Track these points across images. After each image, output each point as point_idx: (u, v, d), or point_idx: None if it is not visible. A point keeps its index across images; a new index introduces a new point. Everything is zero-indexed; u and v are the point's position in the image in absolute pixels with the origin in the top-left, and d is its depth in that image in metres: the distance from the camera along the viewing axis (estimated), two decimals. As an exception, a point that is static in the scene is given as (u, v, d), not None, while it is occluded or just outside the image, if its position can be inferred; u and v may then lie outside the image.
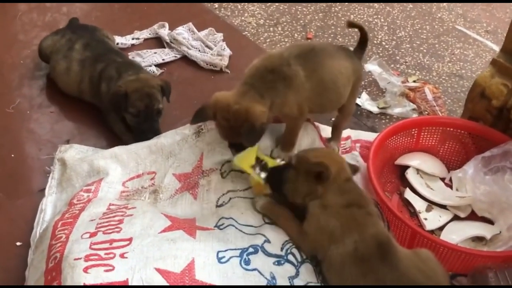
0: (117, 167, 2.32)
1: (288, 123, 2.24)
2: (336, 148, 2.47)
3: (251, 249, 1.93)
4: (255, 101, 2.07)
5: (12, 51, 3.11)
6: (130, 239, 1.85)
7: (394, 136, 2.51)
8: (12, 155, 2.55)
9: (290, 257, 1.94)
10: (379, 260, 1.80)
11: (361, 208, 1.92)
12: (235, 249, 1.91)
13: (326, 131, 2.56)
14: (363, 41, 2.40)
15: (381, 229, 1.90)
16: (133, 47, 3.20)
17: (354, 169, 2.06)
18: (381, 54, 3.32)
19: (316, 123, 2.49)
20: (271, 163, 2.13)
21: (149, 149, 2.37)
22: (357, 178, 2.27)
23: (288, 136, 2.26)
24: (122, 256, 1.78)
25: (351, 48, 2.47)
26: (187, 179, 2.24)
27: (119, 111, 2.58)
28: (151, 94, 2.55)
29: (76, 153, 2.45)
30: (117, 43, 3.11)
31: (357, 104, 2.93)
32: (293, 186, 1.99)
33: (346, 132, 2.62)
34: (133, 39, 3.24)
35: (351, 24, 2.57)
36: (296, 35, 3.41)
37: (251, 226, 2.05)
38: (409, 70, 3.23)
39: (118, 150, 2.39)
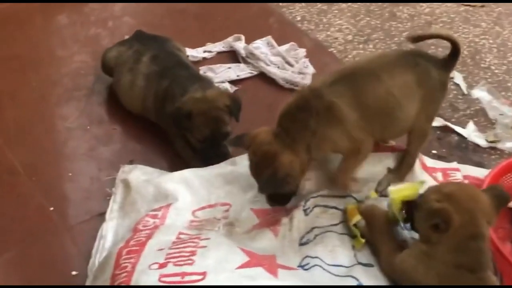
0: (186, 193, 2.37)
1: (347, 158, 2.26)
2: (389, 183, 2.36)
3: (341, 294, 1.92)
4: (286, 147, 2.12)
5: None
6: (204, 274, 1.88)
7: (509, 174, 2.45)
8: (70, 174, 2.64)
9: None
10: None
11: (473, 274, 1.88)
12: (324, 293, 1.91)
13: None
14: (454, 52, 2.29)
15: None
16: (204, 61, 3.27)
17: (501, 199, 1.96)
18: (489, 80, 3.28)
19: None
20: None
21: (224, 179, 2.42)
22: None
23: (341, 172, 2.28)
24: (195, 292, 1.80)
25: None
26: (267, 215, 2.28)
27: (181, 131, 2.64)
28: (217, 117, 2.58)
29: (141, 174, 2.50)
30: (187, 56, 3.19)
31: (462, 136, 2.89)
32: (416, 219, 2.01)
33: (453, 165, 2.61)
34: (204, 52, 3.31)
35: (416, 38, 2.35)
36: (389, 54, 3.40)
37: (341, 266, 2.06)
38: (524, 99, 3.17)
39: (188, 174, 2.44)
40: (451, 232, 1.87)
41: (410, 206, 2.06)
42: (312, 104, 2.11)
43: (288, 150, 2.12)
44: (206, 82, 2.78)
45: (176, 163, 2.64)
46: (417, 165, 2.40)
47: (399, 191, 2.13)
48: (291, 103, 2.16)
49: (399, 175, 2.37)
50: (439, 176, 2.53)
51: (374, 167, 2.38)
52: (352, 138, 2.17)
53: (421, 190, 2.08)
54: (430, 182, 2.34)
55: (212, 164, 2.52)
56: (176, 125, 2.63)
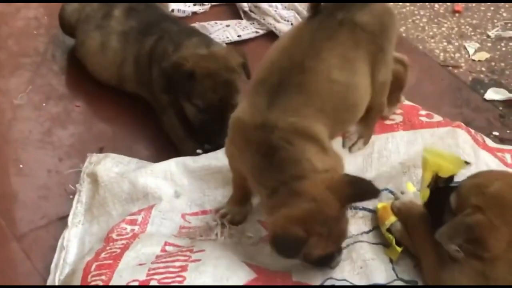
0: (173, 190, 2.36)
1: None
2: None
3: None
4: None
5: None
6: (199, 294, 1.88)
7: None
8: (21, 166, 2.61)
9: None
10: None
11: None
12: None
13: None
14: None
15: None
16: (195, 16, 3.25)
17: None
18: None
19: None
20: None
21: (222, 178, 2.39)
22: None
23: None
24: (187, 316, 1.81)
25: None
26: None
27: (176, 97, 2.61)
28: (230, 82, 2.57)
29: (113, 166, 2.48)
30: (172, 10, 3.16)
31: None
32: (451, 222, 1.96)
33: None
34: (195, 5, 3.28)
35: None
36: None
37: (377, 285, 2.06)
38: None
39: (175, 167, 2.43)
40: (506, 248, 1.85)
41: (439, 190, 2.04)
42: (275, 144, 2.02)
43: None
44: (205, 36, 2.77)
45: (160, 149, 2.64)
46: (467, 142, 2.42)
47: (436, 154, 2.12)
48: (254, 161, 2.05)
49: (367, 124, 2.42)
50: (508, 158, 2.53)
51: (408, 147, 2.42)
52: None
53: (465, 171, 2.09)
54: (494, 166, 2.36)
55: (211, 145, 2.52)
56: (171, 89, 2.61)
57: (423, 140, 2.43)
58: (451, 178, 2.09)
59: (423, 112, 2.55)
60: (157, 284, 1.91)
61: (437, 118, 2.53)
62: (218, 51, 2.63)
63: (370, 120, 2.42)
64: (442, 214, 2.00)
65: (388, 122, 2.51)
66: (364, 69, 2.21)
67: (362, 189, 2.00)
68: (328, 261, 2.05)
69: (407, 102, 2.60)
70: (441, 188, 2.06)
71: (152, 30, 2.77)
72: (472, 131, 2.53)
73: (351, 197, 1.99)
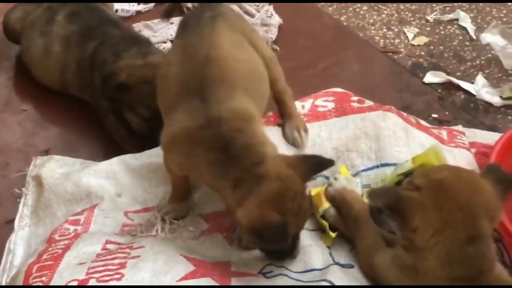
0: (115, 190, 2.38)
1: None
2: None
3: (311, 305, 1.94)
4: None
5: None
6: (136, 290, 1.89)
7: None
8: (-33, 171, 2.63)
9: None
10: None
11: (473, 281, 1.86)
12: (289, 306, 1.92)
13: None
14: None
15: None
16: (139, 15, 3.27)
17: (507, 183, 1.90)
18: (504, 20, 3.29)
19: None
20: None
21: (164, 175, 2.37)
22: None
23: None
24: (124, 313, 1.82)
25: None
26: (219, 219, 2.28)
27: (118, 107, 2.62)
28: None
29: (57, 167, 2.49)
30: (116, 10, 3.18)
31: (470, 94, 2.91)
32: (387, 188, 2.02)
33: (458, 128, 2.64)
34: (139, 4, 3.31)
35: None
36: None
37: (313, 270, 2.07)
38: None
39: (117, 166, 2.44)
40: (442, 237, 1.82)
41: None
42: (228, 136, 2.02)
43: None
44: (145, 45, 2.78)
45: (106, 149, 2.66)
46: (398, 124, 2.43)
47: (437, 156, 2.16)
48: (210, 158, 2.04)
49: (289, 112, 2.46)
50: (444, 134, 2.56)
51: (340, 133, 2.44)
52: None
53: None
54: (428, 144, 2.38)
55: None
56: (110, 99, 2.62)
57: (354, 125, 2.44)
58: None
59: (355, 98, 2.56)
60: (96, 283, 1.91)
61: (368, 103, 2.54)
62: (154, 60, 2.62)
63: (288, 108, 2.46)
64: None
65: (320, 109, 2.52)
66: (250, 47, 2.29)
67: (317, 162, 2.05)
68: (290, 249, 2.05)
69: (338, 89, 2.62)
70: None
71: (93, 34, 2.77)
72: (404, 113, 2.55)
73: (311, 170, 2.02)
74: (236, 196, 1.96)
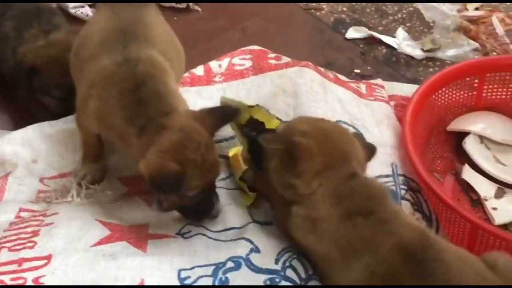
0: (30, 156, 2.34)
1: None
2: None
3: (230, 264, 1.92)
4: None
5: None
6: (49, 257, 1.86)
7: (444, 89, 2.50)
8: None
9: (290, 273, 1.93)
10: (414, 278, 1.76)
11: (369, 216, 1.87)
12: (206, 266, 1.91)
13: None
14: None
15: (408, 232, 1.84)
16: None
17: (370, 150, 2.02)
18: (425, -28, 3.30)
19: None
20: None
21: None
22: (393, 155, 2.30)
23: None
24: (36, 281, 1.78)
25: None
26: (138, 182, 2.24)
27: (31, 93, 2.57)
28: None
29: (-34, 135, 2.43)
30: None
31: (391, 47, 2.92)
32: (272, 167, 1.98)
33: (377, 81, 2.66)
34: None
35: None
36: None
37: (232, 228, 2.07)
38: (469, -7, 3.21)
39: (32, 133, 2.39)
40: (324, 178, 1.87)
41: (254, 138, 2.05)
42: (142, 78, 2.03)
43: None
44: (47, 18, 2.69)
45: (19, 118, 2.59)
46: (315, 80, 2.44)
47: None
48: (122, 99, 2.02)
49: None
50: (363, 88, 2.58)
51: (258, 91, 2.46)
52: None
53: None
54: (347, 99, 2.42)
55: None
56: (23, 85, 2.57)
57: (272, 82, 2.45)
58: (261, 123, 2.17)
59: (272, 55, 2.56)
60: (7, 252, 1.88)
61: (285, 59, 2.54)
62: (56, 37, 2.58)
63: None
64: (262, 161, 2.01)
65: (237, 68, 2.52)
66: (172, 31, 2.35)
67: (222, 113, 2.05)
68: (208, 208, 2.06)
69: (255, 47, 2.61)
70: (255, 136, 2.07)
71: None
72: (322, 69, 2.55)
73: (216, 123, 2.02)
74: (139, 145, 1.96)
